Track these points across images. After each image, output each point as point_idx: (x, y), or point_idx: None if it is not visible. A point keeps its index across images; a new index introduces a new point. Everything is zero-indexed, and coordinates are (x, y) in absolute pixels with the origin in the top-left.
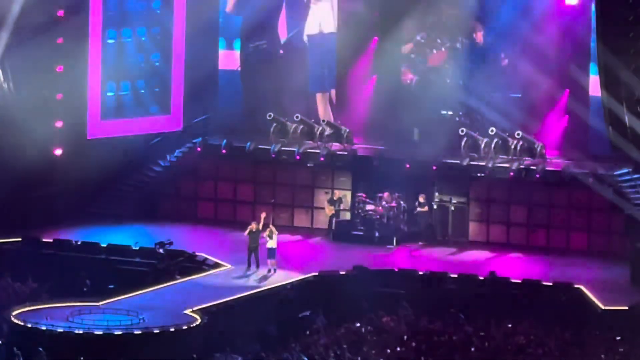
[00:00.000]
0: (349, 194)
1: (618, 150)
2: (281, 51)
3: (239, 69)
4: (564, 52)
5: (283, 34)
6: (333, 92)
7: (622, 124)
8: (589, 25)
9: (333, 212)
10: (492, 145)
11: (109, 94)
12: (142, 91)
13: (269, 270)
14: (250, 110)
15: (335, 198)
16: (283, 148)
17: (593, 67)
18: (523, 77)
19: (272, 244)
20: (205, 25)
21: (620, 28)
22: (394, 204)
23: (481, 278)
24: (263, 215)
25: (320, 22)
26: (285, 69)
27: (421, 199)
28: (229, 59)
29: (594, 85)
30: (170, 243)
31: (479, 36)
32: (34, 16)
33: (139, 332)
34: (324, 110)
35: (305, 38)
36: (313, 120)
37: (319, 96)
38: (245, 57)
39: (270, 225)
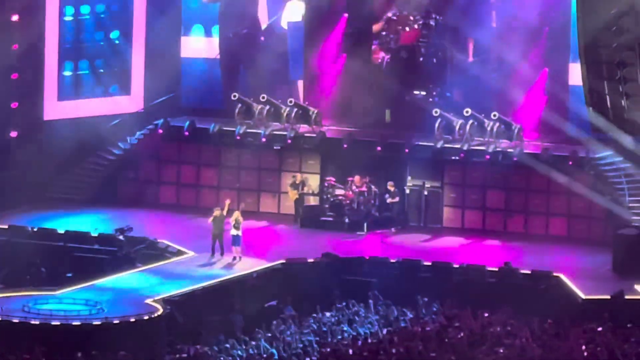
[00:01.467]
0: (316, 178)
1: (599, 132)
2: (262, 38)
3: (218, 57)
4: (543, 31)
5: (264, 20)
6: None
7: (603, 104)
8: (569, 3)
9: (297, 196)
10: (468, 127)
11: (67, 73)
12: (101, 70)
13: (234, 258)
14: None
15: (297, 181)
16: (248, 130)
17: (573, 46)
18: (499, 56)
19: (237, 231)
20: (168, 5)
21: (602, 6)
22: (364, 189)
23: (455, 265)
24: (227, 202)
25: (299, 8)
26: (266, 55)
27: (390, 187)
28: (207, 46)
29: (573, 65)
30: (130, 229)
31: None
32: None
33: (98, 322)
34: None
35: (285, 24)
36: (280, 100)
37: (300, 83)
38: (224, 44)
39: (237, 212)
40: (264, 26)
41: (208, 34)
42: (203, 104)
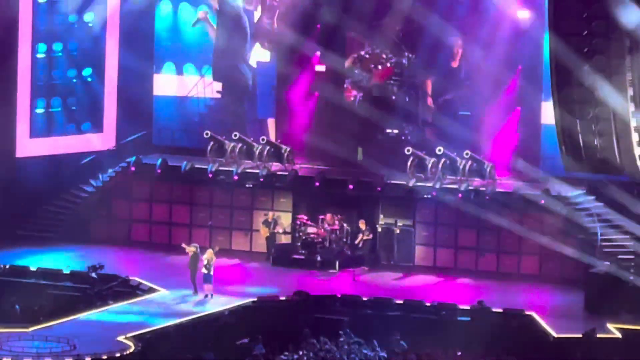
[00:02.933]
0: (288, 216)
1: (572, 170)
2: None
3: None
4: (515, 69)
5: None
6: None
7: (575, 143)
8: (541, 41)
9: (269, 234)
10: (440, 166)
11: (39, 110)
12: (74, 108)
13: (206, 296)
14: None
15: (269, 219)
16: (221, 168)
17: (545, 85)
18: (472, 94)
19: (209, 270)
20: (140, 44)
21: (574, 43)
22: (336, 227)
23: (428, 304)
24: (193, 248)
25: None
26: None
27: (362, 226)
28: (178, 84)
29: (546, 103)
30: (102, 267)
31: None
32: None
33: (70, 359)
34: (275, 136)
35: (254, 63)
36: (252, 139)
37: (270, 121)
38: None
39: (210, 251)
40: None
41: (179, 71)
42: (175, 142)
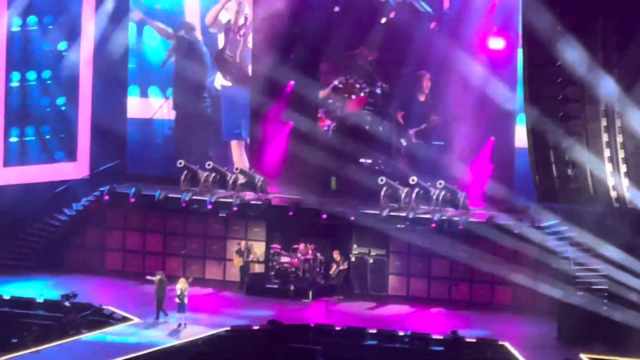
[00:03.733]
0: (262, 245)
1: (545, 201)
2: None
3: (174, 117)
4: (490, 99)
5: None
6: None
7: (549, 174)
8: (515, 71)
9: (242, 263)
10: (413, 195)
11: (13, 139)
12: (48, 137)
13: (179, 325)
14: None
15: (243, 248)
16: (194, 197)
17: (520, 116)
18: (446, 124)
19: (182, 299)
20: (113, 71)
21: (547, 76)
22: (309, 256)
23: (401, 333)
24: (158, 277)
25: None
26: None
27: (336, 256)
28: (142, 107)
29: (520, 134)
30: (75, 295)
31: None
32: None
33: None
34: (239, 158)
35: (219, 86)
36: (226, 168)
37: (234, 144)
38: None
39: (182, 281)
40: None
41: (144, 94)
42: (149, 170)
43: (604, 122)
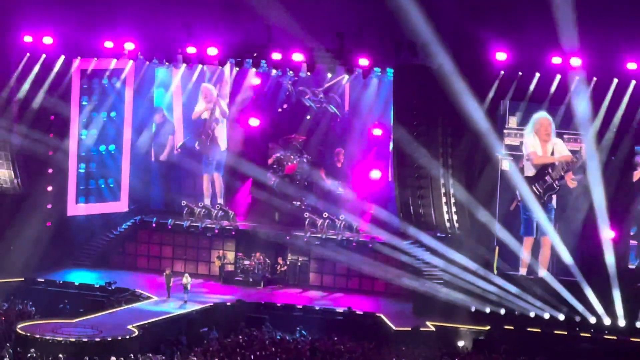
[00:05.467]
0: (233, 253)
1: (407, 230)
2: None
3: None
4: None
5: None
6: (216, 175)
7: (409, 211)
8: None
9: (220, 264)
10: (325, 224)
11: (81, 187)
12: (103, 186)
13: (184, 301)
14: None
15: (221, 255)
16: (192, 224)
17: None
18: (349, 179)
19: (186, 287)
20: (145, 113)
21: (408, 163)
22: (262, 260)
23: (317, 308)
24: (167, 271)
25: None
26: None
27: (280, 261)
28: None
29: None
30: (115, 282)
31: None
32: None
33: (99, 339)
34: (206, 189)
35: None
36: (212, 205)
37: (205, 177)
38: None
39: (187, 275)
40: None
41: None
42: (165, 206)
43: (443, 190)
